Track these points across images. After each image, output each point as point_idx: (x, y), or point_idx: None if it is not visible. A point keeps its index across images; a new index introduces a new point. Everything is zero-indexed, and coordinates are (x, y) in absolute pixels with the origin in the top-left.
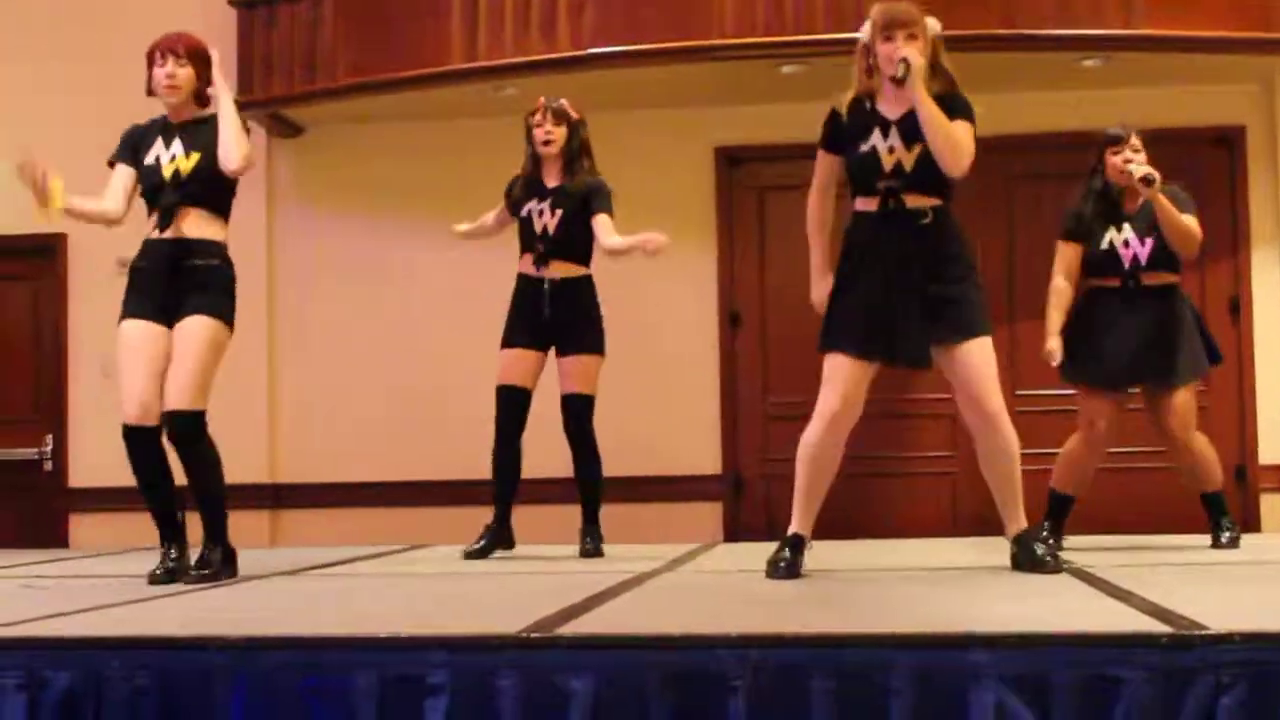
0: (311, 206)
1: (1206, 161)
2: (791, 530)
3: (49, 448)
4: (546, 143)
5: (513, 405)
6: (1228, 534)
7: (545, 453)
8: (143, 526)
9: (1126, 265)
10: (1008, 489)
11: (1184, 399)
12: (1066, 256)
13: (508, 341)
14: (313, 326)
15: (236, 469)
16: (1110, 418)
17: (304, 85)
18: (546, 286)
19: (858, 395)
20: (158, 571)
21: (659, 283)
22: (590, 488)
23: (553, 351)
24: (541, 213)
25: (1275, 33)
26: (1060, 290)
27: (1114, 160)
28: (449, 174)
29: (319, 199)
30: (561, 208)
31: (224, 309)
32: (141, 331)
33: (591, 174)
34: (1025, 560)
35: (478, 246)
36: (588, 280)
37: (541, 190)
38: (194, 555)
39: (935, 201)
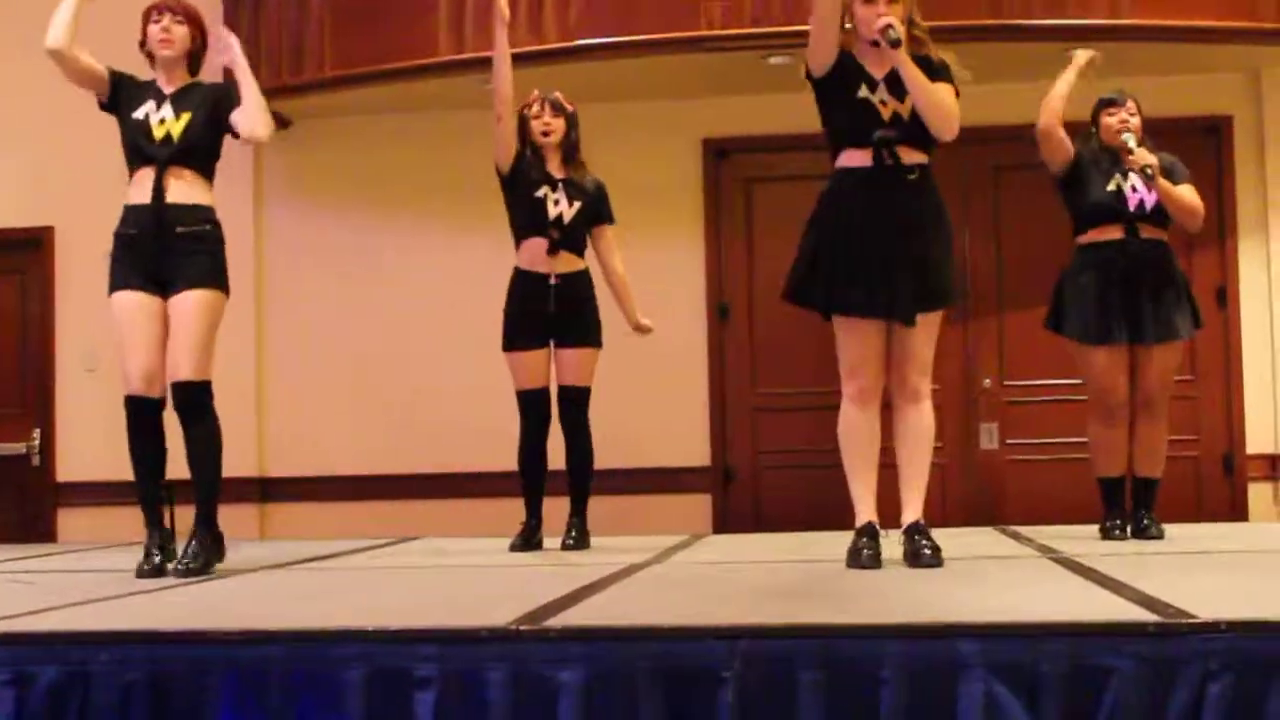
0: (300, 199)
1: (1194, 151)
2: (862, 520)
3: (36, 442)
4: (546, 134)
5: (541, 408)
6: (1151, 525)
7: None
8: (130, 520)
9: (1132, 209)
10: (920, 470)
11: (1174, 358)
12: (1067, 147)
13: (515, 344)
14: (301, 319)
15: (225, 461)
16: (1123, 381)
17: (291, 77)
18: (553, 283)
19: (878, 362)
20: (145, 566)
21: (647, 275)
22: (582, 478)
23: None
24: (558, 201)
25: (1261, 22)
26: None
27: (1108, 120)
28: (438, 166)
29: (307, 191)
30: (580, 200)
31: (218, 276)
32: (137, 303)
33: (586, 168)
34: (909, 554)
35: (467, 242)
36: (588, 273)
37: (552, 179)
38: (181, 545)
39: (923, 158)
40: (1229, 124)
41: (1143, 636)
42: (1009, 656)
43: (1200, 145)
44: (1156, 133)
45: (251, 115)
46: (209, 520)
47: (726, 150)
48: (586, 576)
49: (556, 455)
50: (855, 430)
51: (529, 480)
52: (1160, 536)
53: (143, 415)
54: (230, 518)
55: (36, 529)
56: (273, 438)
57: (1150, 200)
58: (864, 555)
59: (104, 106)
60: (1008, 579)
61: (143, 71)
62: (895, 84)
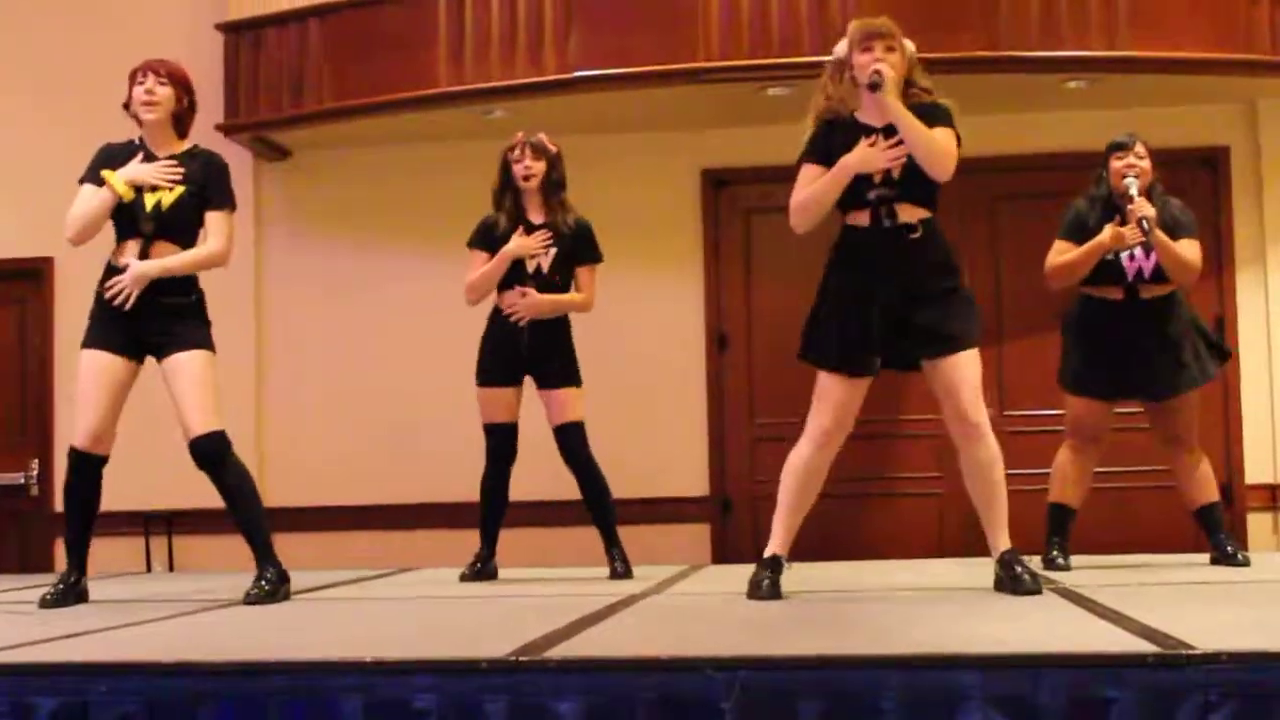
0: (299, 230)
1: (1191, 182)
2: (770, 551)
3: (35, 472)
4: (527, 178)
5: (505, 441)
6: (1230, 547)
7: (525, 477)
8: (127, 551)
9: (1130, 277)
10: (993, 506)
11: (1190, 403)
12: (1061, 251)
13: (486, 380)
14: (299, 348)
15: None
16: (1102, 424)
17: (290, 108)
18: (525, 325)
19: (849, 414)
20: (48, 595)
21: (646, 304)
22: (604, 510)
23: (533, 384)
24: (534, 255)
25: (1258, 54)
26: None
27: (1116, 165)
28: (436, 197)
29: (306, 222)
30: (557, 248)
31: (206, 337)
32: (104, 364)
33: (570, 209)
34: (1006, 580)
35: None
36: (565, 318)
37: (530, 226)
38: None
39: (924, 214)
40: (1226, 155)
41: (1143, 668)
42: (1009, 688)
43: (1197, 176)
44: (1153, 164)
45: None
46: (267, 557)
47: (725, 181)
48: (585, 607)
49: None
50: (804, 470)
51: (486, 511)
52: (1247, 563)
53: (83, 469)
54: (226, 548)
55: (34, 559)
56: (270, 467)
57: (1149, 267)
58: (764, 586)
59: None
60: (1008, 610)
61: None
62: (896, 133)
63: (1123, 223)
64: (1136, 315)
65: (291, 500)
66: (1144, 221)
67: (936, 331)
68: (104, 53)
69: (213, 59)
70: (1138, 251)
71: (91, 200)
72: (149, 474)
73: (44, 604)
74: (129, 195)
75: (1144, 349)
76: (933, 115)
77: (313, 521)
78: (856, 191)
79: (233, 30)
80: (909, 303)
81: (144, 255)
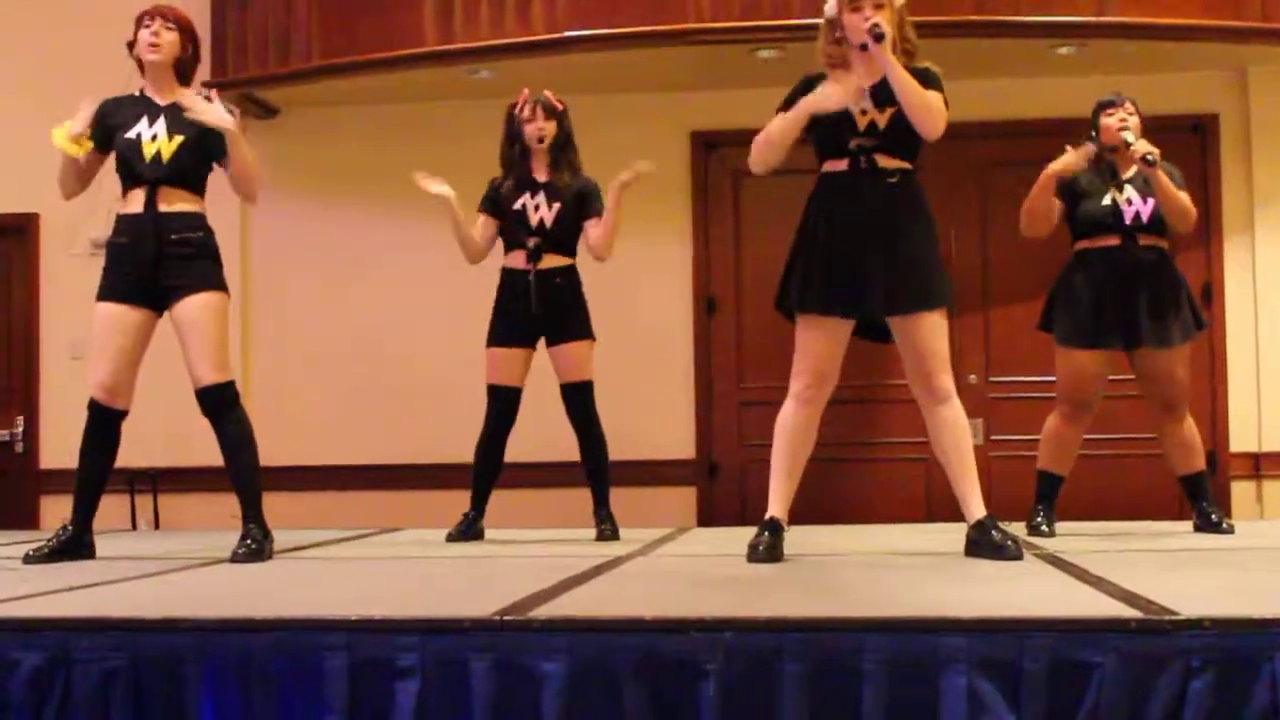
0: (286, 189)
1: (1180, 149)
2: (769, 514)
3: (20, 429)
4: (540, 139)
5: (507, 405)
6: (1215, 515)
7: (523, 438)
8: (113, 507)
9: (1128, 222)
10: (961, 469)
11: (1182, 362)
12: (1055, 204)
13: (496, 339)
14: (286, 309)
15: (209, 451)
16: (1096, 384)
17: (277, 67)
18: (533, 278)
19: (830, 365)
20: (42, 549)
21: (634, 267)
22: (601, 472)
23: (542, 343)
24: (538, 206)
25: (1247, 20)
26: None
27: (1108, 121)
28: (424, 156)
29: (293, 181)
30: (559, 202)
31: (217, 277)
32: (119, 315)
33: (577, 167)
34: (985, 546)
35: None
36: (573, 269)
37: (533, 184)
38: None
39: (904, 164)
40: (1215, 122)
41: (1125, 633)
42: (992, 652)
43: (1186, 144)
44: (1142, 131)
45: (240, 184)
46: (256, 514)
47: (715, 143)
48: (571, 568)
49: (531, 448)
50: (793, 427)
51: (479, 473)
52: (1230, 530)
53: (101, 421)
54: (213, 507)
55: (19, 516)
56: (257, 427)
57: (1146, 212)
58: (761, 550)
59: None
60: (992, 574)
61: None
62: (882, 92)
63: (1118, 181)
64: (1134, 263)
65: (278, 460)
66: (1148, 156)
67: (913, 284)
68: (88, 10)
69: (200, 15)
70: (1135, 197)
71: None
72: (135, 431)
73: (28, 559)
74: (74, 151)
75: (1141, 297)
76: (924, 78)
77: (299, 481)
78: (837, 139)
79: None
80: (883, 246)
81: (150, 201)
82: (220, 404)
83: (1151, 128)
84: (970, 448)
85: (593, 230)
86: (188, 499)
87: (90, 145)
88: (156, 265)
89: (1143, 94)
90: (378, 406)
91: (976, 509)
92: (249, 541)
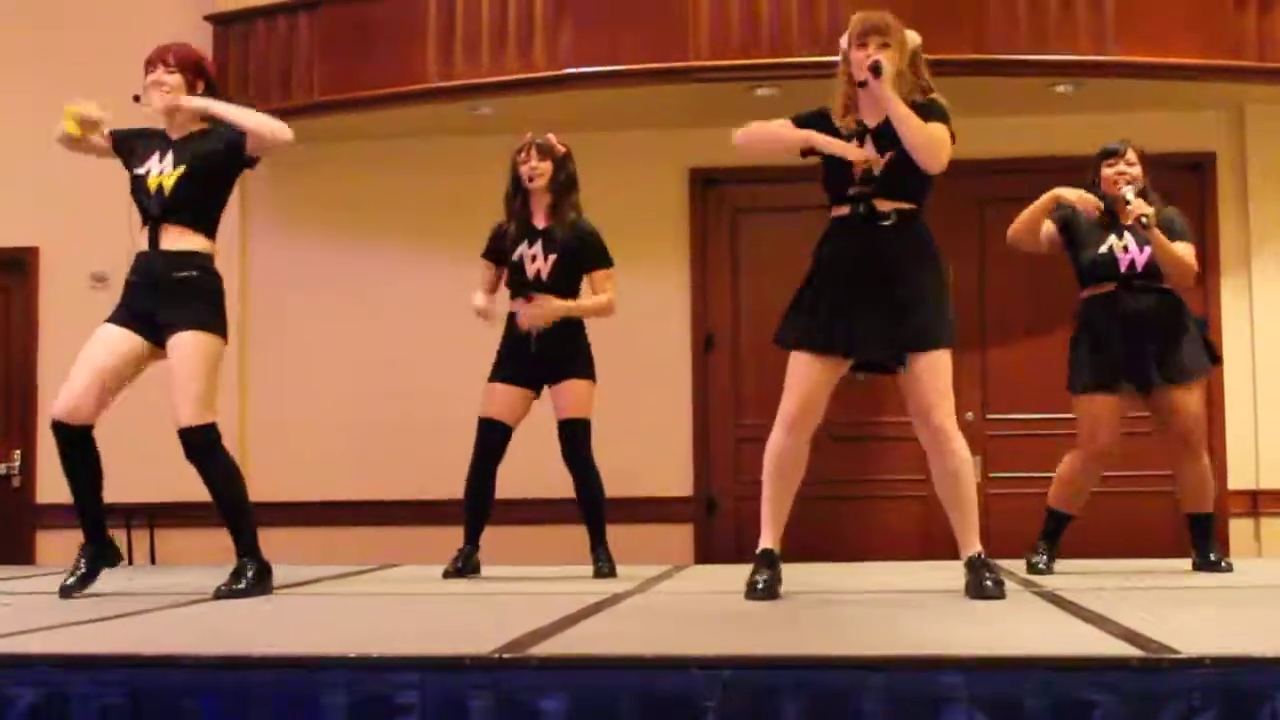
0: (286, 223)
1: (1177, 187)
2: (762, 546)
3: (16, 463)
4: (532, 179)
5: (493, 440)
6: (1214, 556)
7: (509, 474)
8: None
9: (1123, 270)
10: (961, 509)
11: (1196, 399)
12: (1049, 228)
13: (495, 375)
14: (285, 343)
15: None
16: (1113, 429)
17: (279, 101)
18: (533, 335)
19: (818, 398)
20: (66, 581)
21: (632, 304)
22: (598, 510)
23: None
24: (534, 257)
25: (1245, 60)
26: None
27: (1108, 172)
28: (424, 192)
29: (294, 215)
30: (555, 254)
31: (210, 320)
32: (110, 334)
33: (578, 213)
34: (971, 586)
35: (453, 269)
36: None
37: (531, 232)
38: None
39: (905, 205)
40: (1212, 161)
41: (1126, 671)
42: (992, 690)
43: (1184, 181)
44: (1145, 169)
45: (253, 130)
46: (249, 551)
47: (713, 180)
48: (569, 606)
49: (533, 485)
50: (781, 453)
51: (471, 506)
52: (1229, 569)
53: (64, 440)
54: (209, 542)
55: (15, 551)
56: (255, 462)
57: (1141, 259)
58: (760, 587)
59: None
60: (991, 612)
61: None
62: (887, 132)
63: (1117, 228)
64: (1133, 308)
65: (277, 495)
66: (1143, 219)
67: (912, 324)
68: (91, 43)
69: (202, 49)
70: (1131, 245)
71: None
72: (131, 467)
73: (62, 592)
74: (71, 128)
75: (1146, 338)
76: (928, 110)
77: (298, 516)
78: (838, 187)
79: (222, 22)
80: (880, 287)
81: (153, 240)
82: (201, 446)
83: (1149, 166)
84: (970, 486)
85: (590, 285)
86: (185, 534)
87: (81, 134)
88: (157, 301)
89: (1140, 132)
90: (377, 441)
91: (969, 546)
92: (239, 579)
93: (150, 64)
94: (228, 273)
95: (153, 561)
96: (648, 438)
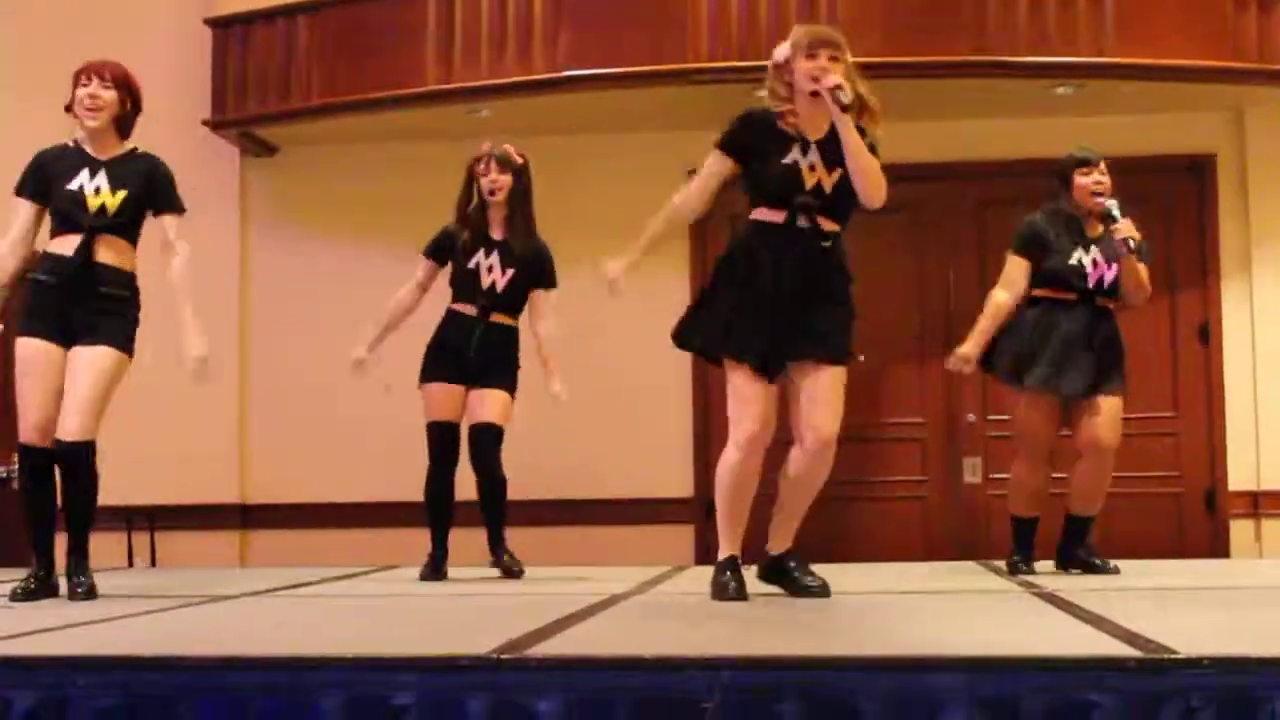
0: (285, 226)
1: (1177, 189)
2: (726, 554)
3: (15, 466)
4: (493, 192)
5: (449, 440)
6: (1096, 559)
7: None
8: (109, 545)
9: (1090, 285)
10: (800, 510)
11: (1120, 407)
12: (1016, 271)
13: (433, 376)
14: (285, 346)
15: (206, 488)
16: (1053, 431)
17: (278, 105)
18: (479, 330)
19: (773, 410)
20: (20, 589)
21: (631, 306)
22: (500, 510)
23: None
24: (490, 268)
25: (1245, 62)
26: (1000, 304)
27: (1083, 181)
28: (422, 195)
29: (292, 219)
30: (514, 268)
31: (126, 339)
32: (42, 354)
33: (531, 226)
34: (790, 581)
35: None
36: (516, 330)
37: (488, 242)
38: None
39: (837, 227)
40: (1212, 162)
41: (1124, 672)
42: (991, 691)
43: (1183, 183)
44: (1140, 171)
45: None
46: (85, 562)
47: None
48: (568, 606)
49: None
50: (740, 475)
51: (434, 513)
52: (1115, 571)
53: (35, 464)
54: (211, 544)
55: (12, 553)
56: (253, 464)
57: (1109, 277)
58: (731, 588)
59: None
60: (990, 613)
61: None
62: (829, 148)
63: (1085, 240)
64: (1089, 316)
65: (274, 497)
66: (1130, 242)
67: (826, 337)
68: (90, 48)
69: (201, 54)
70: (1100, 260)
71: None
72: (131, 469)
73: (15, 597)
74: None
75: (1097, 348)
76: (867, 144)
77: (295, 518)
78: (782, 194)
79: (221, 25)
80: (812, 302)
81: (87, 248)
82: (76, 462)
83: (1148, 167)
84: (814, 495)
85: (540, 324)
86: (184, 536)
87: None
88: (75, 309)
89: (1140, 134)
90: (375, 443)
91: (784, 544)
92: (82, 583)
93: (85, 76)
94: (226, 275)
95: (153, 563)
96: (648, 439)
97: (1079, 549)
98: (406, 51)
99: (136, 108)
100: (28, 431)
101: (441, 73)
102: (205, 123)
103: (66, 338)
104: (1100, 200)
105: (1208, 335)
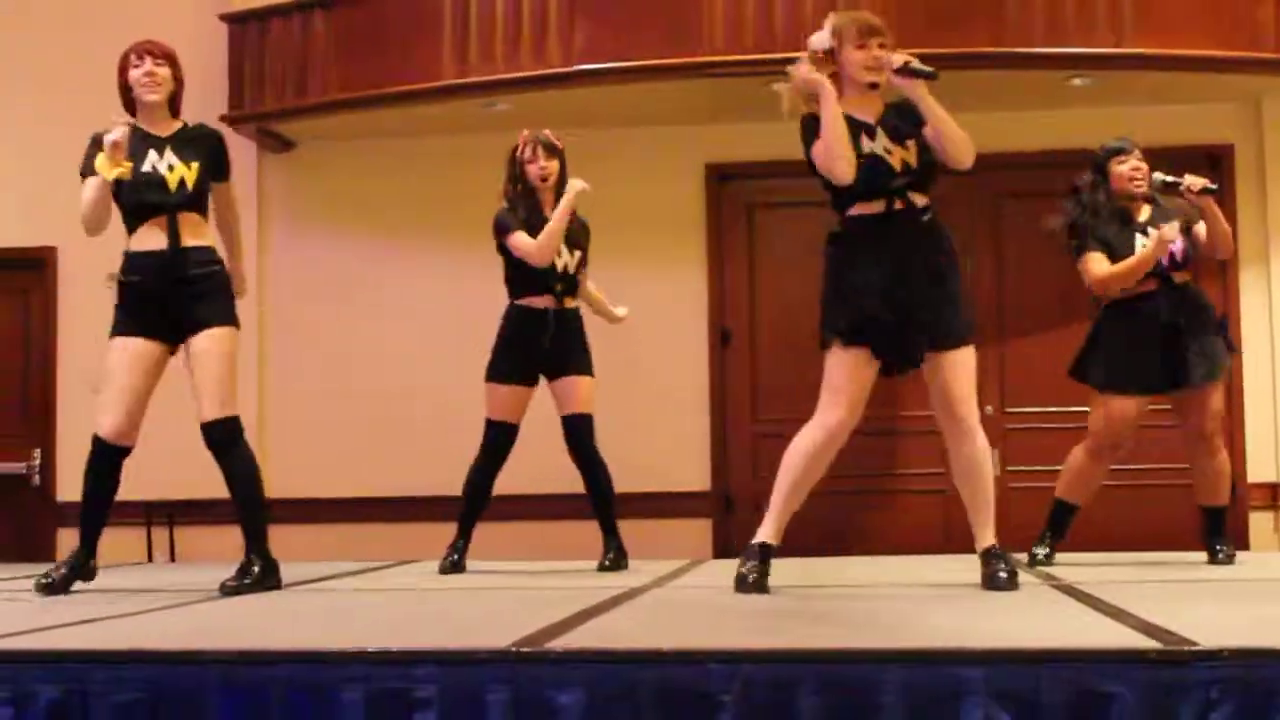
0: (302, 221)
1: None
2: (762, 538)
3: (37, 462)
4: (544, 179)
5: (507, 442)
6: (1222, 551)
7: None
8: (129, 540)
9: (1165, 263)
10: (979, 502)
11: (1219, 395)
12: (1101, 261)
13: (506, 376)
14: (302, 340)
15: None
16: (1130, 426)
17: (294, 100)
18: (551, 317)
19: (863, 401)
20: (55, 580)
21: (649, 298)
22: (609, 504)
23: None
24: (560, 252)
25: (1263, 52)
26: (1109, 269)
27: (1121, 170)
28: (439, 189)
29: (309, 214)
30: (580, 248)
31: (232, 314)
32: (137, 353)
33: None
34: (985, 577)
35: (469, 266)
36: (579, 310)
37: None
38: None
39: (928, 200)
40: (1230, 153)
41: (1145, 664)
42: (1011, 683)
43: (1202, 174)
44: (1158, 161)
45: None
46: (259, 548)
47: (729, 175)
48: (587, 600)
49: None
50: (815, 459)
51: (471, 506)
52: (1230, 561)
53: (104, 460)
54: (228, 539)
55: (36, 548)
56: (273, 459)
57: (1180, 250)
58: (751, 580)
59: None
60: (1009, 605)
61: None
62: (889, 128)
63: (1137, 226)
64: (1174, 302)
65: (294, 492)
66: (1208, 187)
67: (947, 321)
68: (107, 42)
69: (217, 49)
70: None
71: (90, 191)
72: (152, 464)
73: (44, 589)
74: (127, 173)
75: (1183, 336)
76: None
77: (315, 513)
78: (875, 185)
79: (237, 21)
80: (929, 285)
81: (173, 233)
82: (225, 439)
83: (1167, 159)
84: (989, 479)
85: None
86: (204, 531)
87: (131, 164)
88: (177, 301)
89: (1158, 125)
90: (394, 438)
91: (984, 538)
92: (245, 575)
93: (136, 56)
94: (245, 268)
95: (172, 559)
96: (665, 433)
97: (1215, 542)
98: (422, 46)
99: (182, 84)
100: (103, 427)
101: (457, 67)
102: (222, 118)
103: (165, 334)
104: (1141, 184)
105: (1226, 327)
